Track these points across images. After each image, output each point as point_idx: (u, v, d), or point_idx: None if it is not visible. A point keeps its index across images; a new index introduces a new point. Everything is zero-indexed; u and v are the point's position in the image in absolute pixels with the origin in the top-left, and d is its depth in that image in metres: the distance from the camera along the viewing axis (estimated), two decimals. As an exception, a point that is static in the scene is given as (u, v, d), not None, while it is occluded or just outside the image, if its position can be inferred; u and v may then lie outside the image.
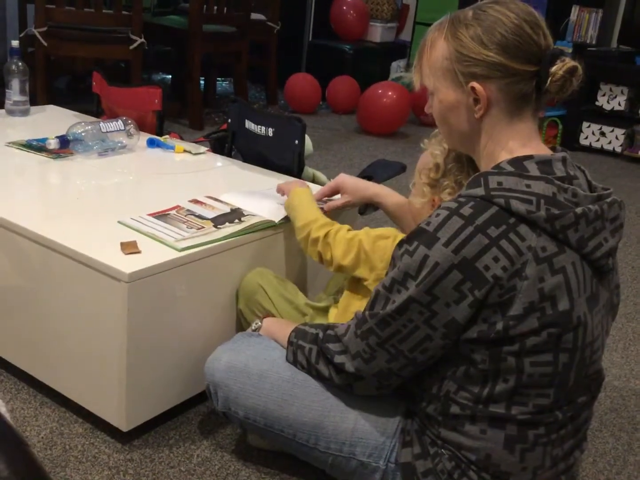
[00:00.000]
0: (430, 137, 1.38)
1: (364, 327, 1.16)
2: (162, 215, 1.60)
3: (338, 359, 1.21)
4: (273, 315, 1.53)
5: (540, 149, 1.16)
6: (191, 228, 1.55)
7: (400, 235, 1.42)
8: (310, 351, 1.27)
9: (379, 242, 1.43)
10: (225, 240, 1.53)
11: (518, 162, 1.11)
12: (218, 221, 1.60)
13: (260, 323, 1.45)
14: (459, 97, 1.16)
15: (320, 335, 1.26)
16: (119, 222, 1.56)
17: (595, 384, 1.22)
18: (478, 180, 1.11)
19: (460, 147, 1.26)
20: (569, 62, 1.12)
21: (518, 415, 1.11)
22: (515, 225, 1.06)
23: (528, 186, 1.07)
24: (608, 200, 1.14)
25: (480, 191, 1.08)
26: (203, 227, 1.56)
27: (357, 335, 1.18)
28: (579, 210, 1.07)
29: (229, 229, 1.57)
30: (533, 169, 1.10)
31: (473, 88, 1.13)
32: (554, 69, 1.11)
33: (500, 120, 1.16)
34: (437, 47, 1.17)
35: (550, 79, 1.11)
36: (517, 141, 1.15)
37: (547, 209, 1.06)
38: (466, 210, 1.07)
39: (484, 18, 1.12)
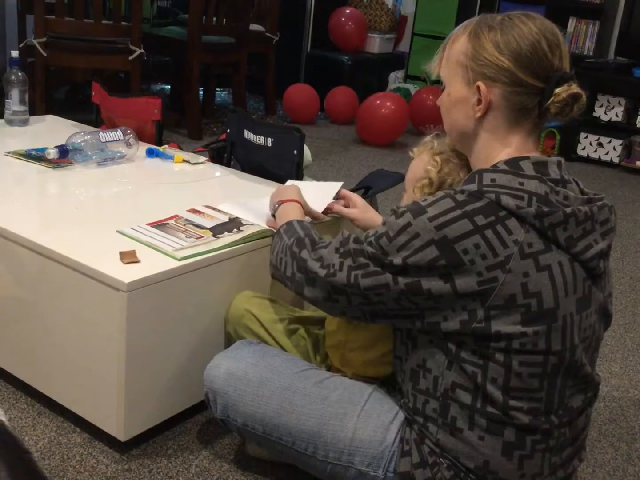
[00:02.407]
0: (419, 145, 1.40)
1: (346, 247, 1.20)
2: (160, 225, 1.60)
3: (305, 254, 1.25)
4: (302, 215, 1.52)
5: (536, 155, 1.18)
6: (190, 237, 1.55)
7: None
8: (287, 246, 1.31)
9: None
10: (224, 250, 1.54)
11: (514, 162, 1.15)
12: (217, 230, 1.60)
13: (279, 205, 1.52)
14: (465, 94, 1.20)
15: (303, 236, 1.30)
16: (117, 231, 1.56)
17: (590, 388, 1.22)
18: (473, 176, 1.15)
19: (458, 144, 1.29)
20: (575, 89, 1.15)
21: (515, 420, 1.12)
22: (504, 218, 1.08)
23: (521, 184, 1.10)
24: (598, 203, 1.16)
25: (473, 187, 1.12)
26: (202, 237, 1.56)
27: (336, 251, 1.21)
28: (568, 210, 1.10)
29: (227, 238, 1.57)
30: (528, 168, 1.13)
31: (478, 87, 1.16)
32: (558, 90, 1.14)
33: (498, 127, 1.18)
34: (459, 41, 1.21)
35: (552, 98, 1.14)
36: (512, 150, 1.18)
37: (538, 206, 1.08)
38: (460, 197, 1.11)
39: (508, 25, 1.16)
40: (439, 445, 1.17)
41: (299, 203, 1.53)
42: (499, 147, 1.19)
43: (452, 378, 1.14)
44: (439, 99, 1.27)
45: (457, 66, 1.20)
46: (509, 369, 1.10)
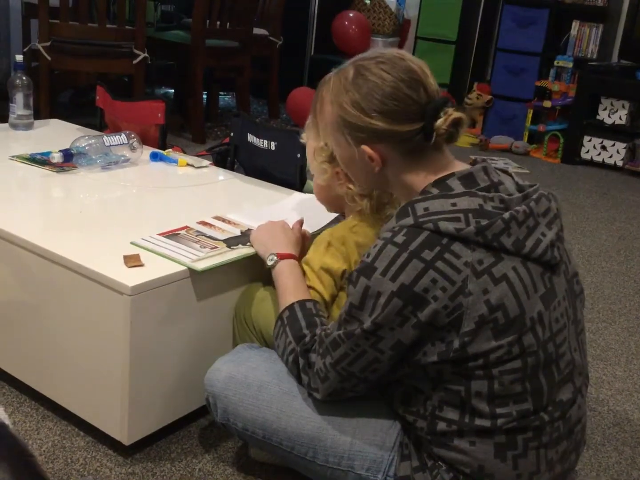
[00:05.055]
0: (305, 129, 1.48)
1: (323, 346, 1.20)
2: (173, 235, 1.59)
3: (303, 371, 1.26)
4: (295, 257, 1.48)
5: (459, 167, 1.18)
6: (205, 247, 1.53)
7: (335, 232, 1.49)
8: (289, 345, 1.29)
9: (329, 252, 1.46)
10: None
11: (442, 183, 1.15)
12: (230, 242, 1.58)
13: (276, 259, 1.44)
14: (354, 155, 1.21)
15: (307, 339, 1.27)
16: (131, 243, 1.53)
17: (578, 376, 1.21)
18: (406, 210, 1.14)
19: (375, 190, 1.35)
20: (453, 114, 1.14)
21: (504, 426, 1.12)
22: (448, 244, 1.08)
23: (454, 205, 1.10)
24: (534, 196, 1.16)
25: (409, 220, 1.11)
26: (216, 247, 1.55)
27: (318, 353, 1.22)
28: (506, 215, 1.10)
29: (242, 250, 1.55)
30: (457, 185, 1.14)
31: (364, 149, 1.18)
32: (438, 123, 1.14)
33: (402, 170, 1.19)
34: (325, 110, 1.22)
35: (435, 133, 1.14)
36: (432, 175, 1.17)
37: (477, 222, 1.08)
38: (399, 239, 1.10)
39: (362, 83, 1.15)
40: (434, 455, 1.18)
41: (295, 256, 1.47)
42: (415, 179, 1.19)
43: (438, 398, 1.14)
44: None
45: (335, 133, 1.21)
46: (491, 380, 1.10)
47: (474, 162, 1.20)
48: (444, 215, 1.09)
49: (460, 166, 1.19)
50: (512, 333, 1.09)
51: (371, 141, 1.17)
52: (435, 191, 1.14)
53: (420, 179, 1.18)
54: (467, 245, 1.08)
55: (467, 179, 1.14)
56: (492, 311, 1.08)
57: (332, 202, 1.57)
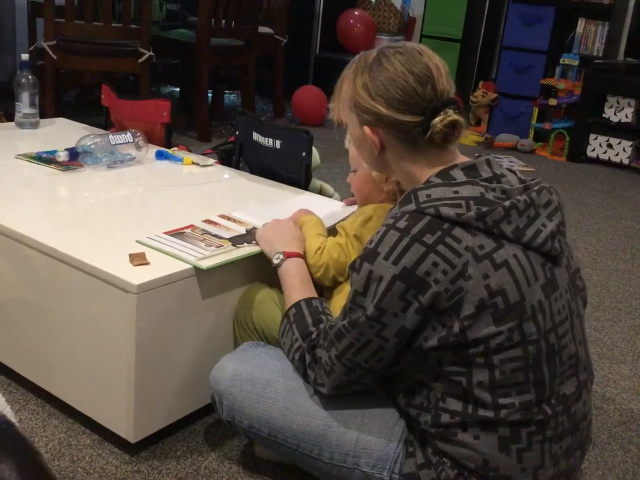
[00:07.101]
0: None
1: (328, 339, 1.22)
2: (178, 234, 1.59)
3: (310, 367, 1.26)
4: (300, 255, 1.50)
5: (462, 159, 1.21)
6: (210, 246, 1.54)
7: (378, 210, 1.51)
8: (296, 342, 1.30)
9: (367, 225, 1.50)
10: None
11: (445, 173, 1.17)
12: (236, 241, 1.58)
13: (283, 257, 1.46)
14: (360, 135, 1.25)
15: (313, 336, 1.28)
16: (137, 241, 1.54)
17: (582, 370, 1.21)
18: (409, 197, 1.16)
19: (380, 172, 1.37)
20: (451, 116, 1.16)
21: (507, 418, 1.12)
22: (449, 229, 1.10)
23: (456, 192, 1.13)
24: (536, 188, 1.17)
25: (412, 207, 1.13)
26: (222, 245, 1.55)
27: (323, 347, 1.23)
28: (507, 203, 1.11)
29: (247, 248, 1.56)
30: (459, 175, 1.16)
31: (365, 131, 1.21)
32: (435, 121, 1.16)
33: (401, 158, 1.23)
34: (344, 87, 1.26)
35: (431, 130, 1.16)
36: (435, 166, 1.19)
37: (478, 208, 1.10)
38: (401, 224, 1.12)
39: (376, 68, 1.20)
40: (438, 450, 1.18)
41: (301, 255, 1.49)
42: (415, 169, 1.21)
43: (441, 389, 1.15)
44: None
45: (348, 110, 1.25)
46: (492, 369, 1.11)
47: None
48: (445, 201, 1.11)
49: (465, 160, 1.21)
50: (512, 319, 1.10)
51: (373, 124, 1.20)
52: (438, 180, 1.16)
53: (420, 169, 1.21)
54: (468, 230, 1.10)
55: (469, 169, 1.17)
56: (492, 296, 1.09)
57: (369, 196, 1.58)
